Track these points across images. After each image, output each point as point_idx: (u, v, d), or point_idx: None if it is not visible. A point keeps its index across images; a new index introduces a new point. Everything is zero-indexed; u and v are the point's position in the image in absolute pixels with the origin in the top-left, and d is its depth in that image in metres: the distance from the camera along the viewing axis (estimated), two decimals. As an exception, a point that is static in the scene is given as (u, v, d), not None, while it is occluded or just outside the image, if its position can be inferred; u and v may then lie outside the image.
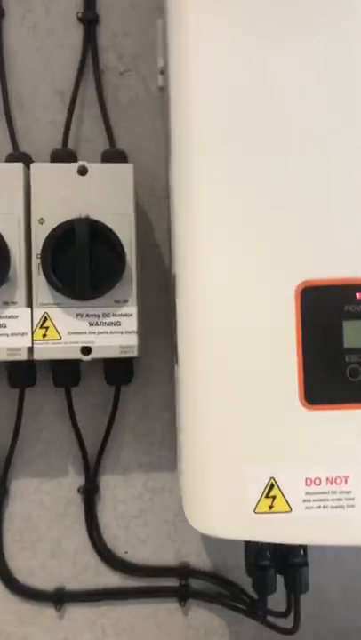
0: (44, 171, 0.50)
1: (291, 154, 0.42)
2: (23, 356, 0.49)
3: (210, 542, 0.60)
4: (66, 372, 0.56)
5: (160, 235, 0.59)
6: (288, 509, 0.42)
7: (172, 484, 0.60)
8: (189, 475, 0.44)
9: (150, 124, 0.60)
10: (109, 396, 0.58)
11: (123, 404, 0.58)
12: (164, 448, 0.60)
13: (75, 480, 0.59)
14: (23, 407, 0.56)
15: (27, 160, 0.55)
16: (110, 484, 0.59)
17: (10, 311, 0.49)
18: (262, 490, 0.42)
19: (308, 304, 0.42)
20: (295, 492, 0.42)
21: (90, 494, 0.58)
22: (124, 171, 0.50)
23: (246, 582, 0.58)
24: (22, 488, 0.58)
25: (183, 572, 0.59)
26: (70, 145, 0.59)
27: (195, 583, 0.60)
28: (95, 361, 0.52)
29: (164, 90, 0.60)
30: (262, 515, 0.42)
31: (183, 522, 0.60)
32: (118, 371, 0.56)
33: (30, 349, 0.50)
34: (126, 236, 0.50)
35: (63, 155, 0.55)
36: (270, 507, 0.42)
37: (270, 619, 0.54)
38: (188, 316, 0.44)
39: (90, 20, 0.59)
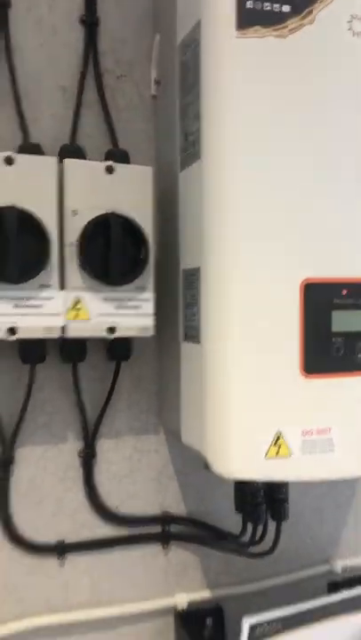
0: (76, 166, 0.55)
1: (300, 184, 0.53)
2: (57, 334, 0.55)
3: (187, 494, 0.71)
4: (74, 350, 0.62)
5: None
6: (289, 454, 0.54)
7: (158, 446, 0.69)
8: (214, 433, 0.54)
9: (144, 126, 0.67)
10: (107, 371, 0.65)
11: (119, 377, 0.66)
12: (151, 415, 0.69)
13: (74, 446, 0.65)
14: (33, 382, 0.61)
15: (37, 151, 0.59)
16: (104, 448, 0.67)
17: (45, 293, 0.54)
18: (271, 440, 0.54)
19: (310, 296, 0.54)
20: (295, 441, 0.54)
21: (88, 458, 0.65)
22: (145, 172, 0.57)
23: (219, 523, 0.71)
24: (28, 455, 0.63)
25: (166, 519, 0.69)
26: (69, 140, 0.63)
27: (174, 528, 0.70)
28: (96, 340, 0.59)
29: (157, 98, 0.67)
30: (270, 459, 0.53)
31: (166, 478, 0.70)
32: (121, 348, 0.64)
33: (63, 328, 0.55)
34: (147, 230, 0.57)
35: (72, 150, 0.60)
36: (277, 453, 0.54)
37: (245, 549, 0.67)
38: (216, 305, 0.53)
39: (91, 23, 0.64)
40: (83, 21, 0.63)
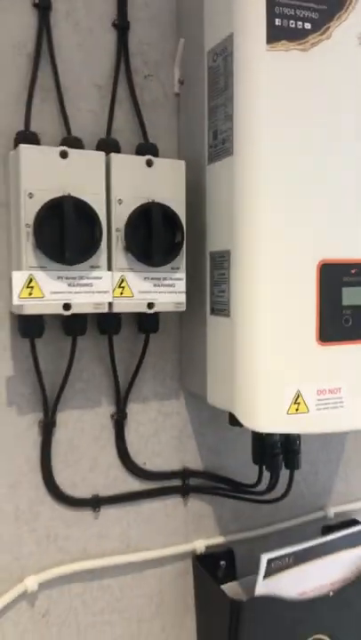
0: (120, 160, 0.62)
1: (319, 181, 0.61)
2: (105, 310, 0.62)
3: (204, 451, 0.79)
4: (112, 323, 0.69)
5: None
6: (307, 411, 0.63)
7: (179, 409, 0.77)
8: (243, 393, 0.63)
9: (168, 121, 0.73)
10: (136, 342, 0.73)
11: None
12: (173, 381, 0.77)
13: (107, 410, 0.73)
14: (75, 352, 0.68)
15: (78, 144, 0.65)
16: (133, 411, 0.74)
17: (95, 273, 0.61)
18: (292, 399, 0.63)
19: (325, 275, 0.63)
20: (311, 399, 0.64)
21: (119, 421, 0.73)
22: (179, 165, 0.65)
23: (232, 476, 0.80)
24: (67, 418, 0.71)
25: (185, 474, 0.78)
26: (104, 134, 0.70)
27: (193, 482, 0.79)
28: (128, 314, 0.66)
29: (180, 96, 0.74)
30: (291, 415, 0.63)
31: (186, 437, 0.78)
32: (151, 322, 0.71)
33: (110, 304, 0.62)
34: (181, 217, 0.64)
35: (110, 143, 0.67)
36: (296, 409, 0.63)
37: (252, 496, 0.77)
38: (246, 283, 0.61)
39: (122, 27, 0.70)
40: (115, 25, 0.69)
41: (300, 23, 0.60)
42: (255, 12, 0.59)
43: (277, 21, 0.59)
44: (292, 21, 0.59)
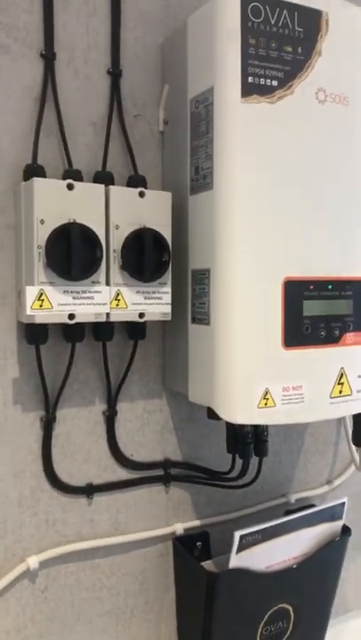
0: (118, 192, 0.72)
1: (286, 213, 0.73)
2: (103, 319, 0.72)
3: (183, 444, 0.90)
4: (106, 331, 0.79)
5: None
6: (274, 405, 0.75)
7: (161, 407, 0.88)
8: (221, 391, 0.74)
9: (153, 156, 0.84)
10: (125, 348, 0.83)
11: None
12: (157, 383, 0.87)
13: (100, 408, 0.82)
14: (73, 357, 0.77)
15: (78, 176, 0.75)
16: (123, 409, 0.84)
17: (96, 288, 0.71)
18: (262, 394, 0.74)
19: (288, 290, 0.75)
20: (278, 395, 0.75)
21: (110, 417, 0.83)
22: (166, 196, 0.76)
23: (208, 465, 0.91)
24: (65, 415, 0.80)
25: (167, 464, 0.88)
26: (98, 166, 0.80)
27: (173, 471, 0.89)
28: (119, 324, 0.77)
29: (164, 134, 0.85)
30: (261, 409, 0.74)
31: (167, 432, 0.89)
32: (139, 330, 0.81)
33: (107, 314, 0.72)
34: (168, 240, 0.75)
35: (105, 176, 0.77)
36: (265, 404, 0.74)
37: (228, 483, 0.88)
38: (224, 296, 0.72)
39: (115, 74, 0.80)
40: (109, 72, 0.80)
41: (268, 80, 0.72)
42: (232, 70, 0.70)
43: (250, 79, 0.70)
44: (262, 79, 0.71)
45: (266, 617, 0.88)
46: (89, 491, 0.82)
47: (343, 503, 0.93)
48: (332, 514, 0.92)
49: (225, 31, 0.70)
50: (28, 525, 0.78)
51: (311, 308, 0.77)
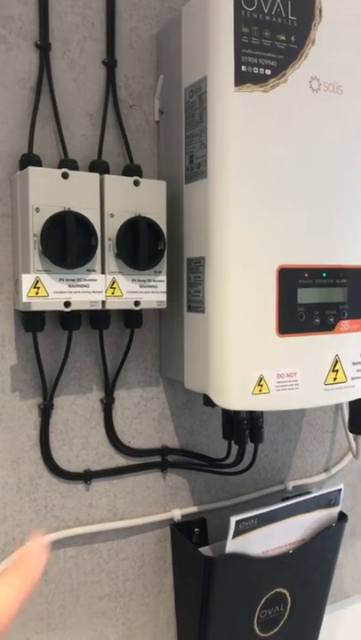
0: (113, 181, 0.73)
1: (279, 200, 0.74)
2: (99, 307, 0.73)
3: (180, 431, 0.91)
4: (103, 319, 0.80)
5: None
6: (268, 391, 0.76)
7: (158, 394, 0.89)
8: (216, 377, 0.75)
9: (149, 145, 0.85)
10: (122, 337, 0.84)
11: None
12: (154, 370, 0.88)
13: (97, 395, 0.84)
14: (70, 345, 0.79)
15: (74, 165, 0.76)
16: (120, 397, 0.85)
17: (91, 276, 0.72)
18: (256, 381, 0.75)
19: (283, 278, 0.75)
20: (272, 382, 0.76)
21: (108, 404, 0.84)
22: (161, 185, 0.76)
23: (204, 452, 0.92)
24: (62, 402, 0.81)
25: (164, 451, 0.89)
26: (95, 156, 0.81)
27: (171, 458, 0.90)
28: (115, 311, 0.77)
29: (160, 124, 0.85)
30: (256, 395, 0.75)
31: (164, 419, 0.90)
32: (135, 318, 0.82)
33: (103, 302, 0.73)
34: (163, 228, 0.76)
35: (100, 165, 0.78)
36: (260, 390, 0.75)
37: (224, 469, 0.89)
38: (218, 284, 0.73)
39: (110, 65, 0.81)
40: (104, 63, 0.81)
41: (261, 69, 0.72)
42: (226, 59, 0.71)
43: (243, 68, 0.71)
44: (255, 68, 0.72)
45: (263, 601, 0.89)
46: (87, 477, 0.83)
47: (340, 490, 0.94)
48: (329, 500, 0.93)
49: (218, 20, 0.71)
50: (27, 511, 0.80)
51: (306, 295, 0.77)
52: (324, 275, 0.79)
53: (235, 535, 0.83)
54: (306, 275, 0.77)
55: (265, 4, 0.72)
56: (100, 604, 0.87)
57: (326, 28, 0.76)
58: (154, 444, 0.89)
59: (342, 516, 0.96)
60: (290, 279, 0.76)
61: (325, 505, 0.94)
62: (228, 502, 0.96)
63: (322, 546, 0.94)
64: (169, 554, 0.92)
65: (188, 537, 0.92)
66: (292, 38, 0.74)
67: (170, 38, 0.81)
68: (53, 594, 0.83)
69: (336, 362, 0.80)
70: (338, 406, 1.08)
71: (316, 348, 0.78)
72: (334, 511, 0.95)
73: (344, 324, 0.81)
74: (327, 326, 0.79)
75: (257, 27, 0.71)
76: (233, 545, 0.84)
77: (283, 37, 0.73)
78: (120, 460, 0.86)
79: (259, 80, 0.72)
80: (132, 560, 0.89)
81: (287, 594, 0.92)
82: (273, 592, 0.90)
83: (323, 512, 0.94)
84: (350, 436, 1.05)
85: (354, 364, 0.82)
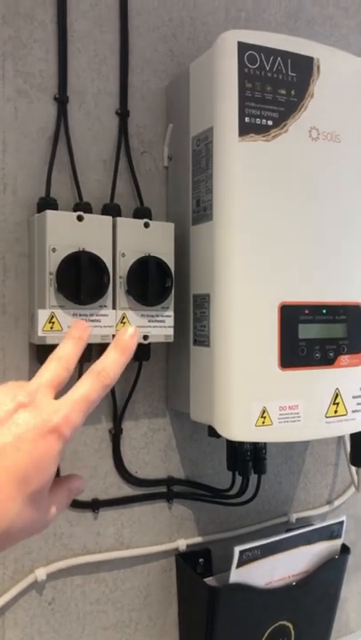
0: (125, 223, 0.78)
1: (281, 242, 0.78)
2: (109, 340, 0.76)
3: (186, 462, 0.94)
4: (112, 352, 0.83)
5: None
6: (271, 423, 0.79)
7: (165, 426, 0.92)
8: (221, 409, 0.78)
9: (158, 189, 0.90)
10: (130, 369, 0.87)
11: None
12: (160, 402, 0.91)
13: (106, 426, 0.87)
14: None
15: (88, 208, 0.81)
16: (128, 427, 0.88)
17: (103, 311, 0.76)
18: (259, 413, 0.78)
19: (284, 314, 0.79)
20: (274, 414, 0.79)
21: (116, 435, 0.87)
22: (169, 226, 0.81)
23: (209, 483, 0.94)
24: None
25: (170, 481, 0.92)
26: (107, 199, 0.86)
27: (176, 488, 0.92)
28: None
29: (169, 169, 0.91)
30: (259, 427, 0.78)
31: (171, 450, 0.93)
32: (143, 352, 0.86)
33: (113, 336, 0.77)
34: (171, 267, 0.80)
35: (112, 207, 0.83)
36: (263, 422, 0.78)
37: (227, 500, 0.91)
38: (223, 320, 0.77)
39: (123, 115, 0.87)
40: (117, 113, 0.87)
41: (264, 120, 0.77)
42: (230, 111, 0.76)
43: (247, 119, 0.76)
44: (258, 119, 0.77)
45: (266, 634, 0.90)
46: (95, 505, 0.86)
47: (342, 522, 0.96)
48: (331, 532, 0.95)
49: (224, 77, 0.76)
50: (37, 538, 0.82)
51: (307, 331, 0.81)
52: (324, 311, 0.82)
53: (238, 565, 0.85)
54: (306, 311, 0.81)
55: (267, 62, 0.78)
56: (106, 635, 0.88)
57: (324, 82, 0.82)
58: (160, 475, 0.92)
59: (345, 549, 0.97)
60: (291, 315, 0.80)
61: (328, 537, 0.95)
62: (231, 533, 0.97)
63: (325, 578, 0.95)
64: (174, 584, 0.93)
65: (193, 567, 0.94)
66: (293, 92, 0.80)
67: (179, 91, 0.87)
68: (60, 623, 0.84)
69: (337, 395, 0.83)
70: (340, 439, 1.11)
71: (317, 381, 0.82)
72: (337, 543, 0.96)
73: (344, 358, 0.84)
74: (328, 361, 0.83)
75: (259, 82, 0.77)
76: (237, 575, 0.85)
77: (283, 91, 0.79)
78: (127, 490, 0.89)
79: (261, 130, 0.77)
80: (137, 589, 0.90)
81: (291, 627, 0.93)
82: (277, 624, 0.91)
83: (325, 544, 0.95)
84: (353, 468, 1.07)
85: (354, 397, 0.85)
